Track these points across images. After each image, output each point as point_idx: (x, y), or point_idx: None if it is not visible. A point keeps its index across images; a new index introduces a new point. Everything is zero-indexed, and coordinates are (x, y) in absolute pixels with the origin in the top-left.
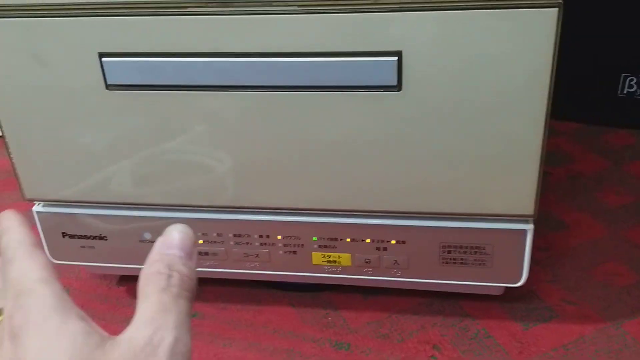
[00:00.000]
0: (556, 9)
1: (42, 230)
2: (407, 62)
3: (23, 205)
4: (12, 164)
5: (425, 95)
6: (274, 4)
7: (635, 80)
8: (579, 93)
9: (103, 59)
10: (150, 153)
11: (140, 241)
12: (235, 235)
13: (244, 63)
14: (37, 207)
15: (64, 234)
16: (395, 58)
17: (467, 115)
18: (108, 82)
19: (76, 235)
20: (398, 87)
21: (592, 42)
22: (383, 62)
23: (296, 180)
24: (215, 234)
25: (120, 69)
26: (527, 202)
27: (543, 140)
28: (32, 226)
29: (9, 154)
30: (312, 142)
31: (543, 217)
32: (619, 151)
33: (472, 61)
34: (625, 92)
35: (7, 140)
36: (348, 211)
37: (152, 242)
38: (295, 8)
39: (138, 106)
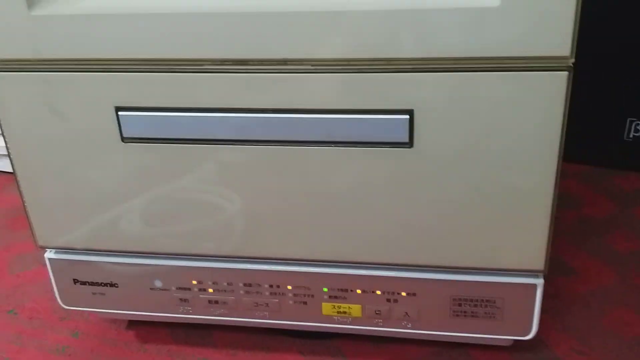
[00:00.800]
0: (566, 73)
1: (54, 276)
2: (418, 120)
3: (30, 246)
4: (26, 211)
5: (436, 152)
6: (288, 63)
7: None
8: (586, 136)
9: (120, 113)
10: (162, 202)
11: (151, 289)
12: (245, 285)
13: (259, 119)
14: (49, 254)
15: (75, 281)
16: (407, 116)
17: (478, 171)
18: (124, 135)
19: (87, 282)
20: (410, 143)
21: (598, 86)
22: (395, 120)
23: (307, 231)
24: (225, 283)
25: (136, 122)
26: (537, 257)
27: (553, 197)
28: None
29: (23, 201)
30: (324, 195)
31: (552, 262)
32: (627, 195)
33: (482, 120)
34: (631, 136)
35: (21, 188)
36: (359, 263)
37: (163, 289)
38: (309, 67)
39: (152, 158)
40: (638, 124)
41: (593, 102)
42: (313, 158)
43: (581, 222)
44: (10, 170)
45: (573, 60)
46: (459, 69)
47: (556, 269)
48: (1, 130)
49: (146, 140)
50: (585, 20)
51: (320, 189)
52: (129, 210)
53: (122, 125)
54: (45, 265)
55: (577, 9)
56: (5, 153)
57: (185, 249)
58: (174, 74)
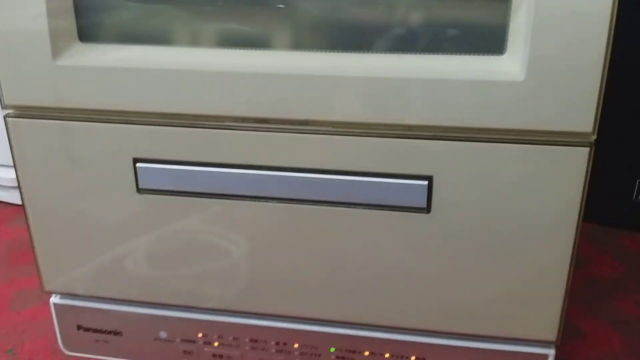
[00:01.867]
0: (587, 149)
1: (57, 321)
2: (437, 187)
3: (33, 281)
4: (35, 255)
5: (453, 219)
6: (309, 123)
7: None
8: (596, 196)
9: (137, 165)
10: (173, 253)
11: (155, 339)
12: (251, 340)
13: (277, 177)
14: (54, 299)
15: (79, 327)
16: (426, 182)
17: (494, 241)
18: (140, 186)
19: (91, 328)
20: (427, 209)
21: (608, 147)
22: (414, 186)
23: (318, 290)
24: (231, 338)
25: (153, 174)
26: (550, 329)
27: (569, 271)
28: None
29: (32, 244)
30: (338, 255)
31: None
32: (635, 256)
33: (502, 190)
34: None
35: (32, 232)
36: (369, 325)
37: (168, 340)
38: (330, 129)
39: (166, 209)
40: None
41: (603, 162)
42: (329, 218)
43: (589, 282)
44: (16, 202)
45: (595, 136)
46: (479, 139)
47: (565, 330)
48: (15, 171)
49: (162, 192)
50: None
51: (335, 249)
52: (138, 259)
53: (139, 176)
54: (47, 303)
55: (601, 87)
56: (12, 185)
57: (193, 301)
58: (194, 129)
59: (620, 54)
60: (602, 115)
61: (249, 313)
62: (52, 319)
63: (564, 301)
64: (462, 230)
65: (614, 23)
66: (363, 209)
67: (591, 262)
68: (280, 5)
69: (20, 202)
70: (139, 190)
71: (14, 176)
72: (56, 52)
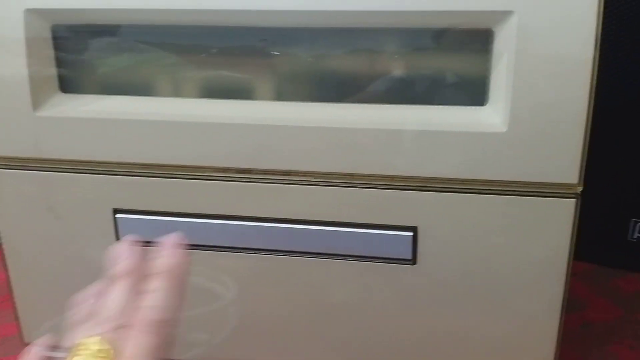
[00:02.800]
0: (573, 200)
1: None
2: (422, 238)
3: (12, 327)
4: (14, 305)
5: (440, 270)
6: (291, 174)
7: None
8: (590, 235)
9: (117, 215)
10: None
11: None
12: None
13: (259, 228)
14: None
15: None
16: (411, 233)
17: (481, 291)
18: (120, 237)
19: None
20: (412, 260)
21: (603, 187)
22: (399, 237)
23: (302, 340)
24: None
25: (134, 225)
26: None
27: (560, 319)
28: None
29: (12, 295)
30: (322, 306)
31: None
32: (631, 298)
33: (488, 241)
34: (635, 236)
35: (12, 282)
36: None
37: None
38: (312, 179)
39: None
40: None
41: (597, 202)
42: (313, 269)
43: (583, 326)
44: None
45: (581, 188)
46: (463, 190)
47: None
48: None
49: (144, 244)
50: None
51: (320, 300)
52: None
53: (119, 227)
54: None
55: (585, 138)
56: None
57: (176, 354)
58: (175, 180)
59: (611, 92)
60: (595, 153)
61: None
62: None
63: (557, 350)
64: (448, 280)
65: (596, 69)
66: (347, 260)
67: (586, 306)
68: (262, 55)
69: None
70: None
71: None
72: (37, 102)
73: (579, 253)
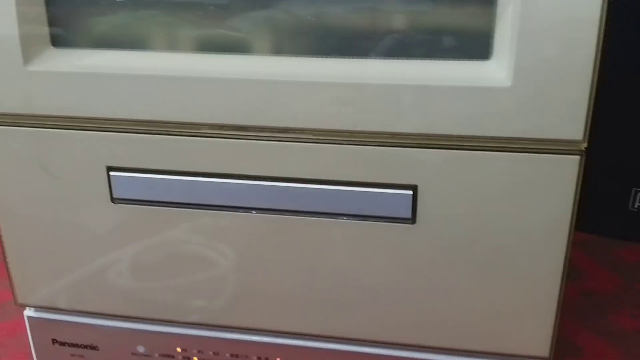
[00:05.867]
0: (578, 157)
1: (32, 335)
2: (422, 197)
3: (10, 294)
4: (7, 268)
5: (440, 230)
6: (289, 131)
7: None
8: (591, 205)
9: (111, 173)
10: (149, 265)
11: (132, 354)
12: (232, 355)
13: (256, 186)
14: (28, 312)
15: (54, 341)
16: (411, 192)
17: (483, 252)
18: (114, 196)
19: (67, 342)
20: (412, 220)
21: (604, 156)
22: (398, 195)
23: (300, 304)
24: (211, 352)
25: (128, 184)
26: (543, 343)
27: (561, 284)
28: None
29: (5, 257)
30: (319, 268)
31: (557, 339)
32: (631, 267)
33: (490, 200)
34: (636, 206)
35: (4, 243)
36: (354, 340)
37: (146, 355)
38: (311, 137)
39: (142, 220)
40: None
41: (598, 171)
42: (311, 229)
43: (584, 296)
44: None
45: (586, 144)
46: (466, 147)
47: (561, 346)
48: None
49: (137, 202)
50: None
51: (316, 262)
52: (113, 271)
53: (112, 185)
54: (25, 325)
55: (591, 93)
56: None
57: (171, 314)
58: (170, 137)
59: (614, 61)
60: (596, 124)
61: (230, 327)
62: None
63: (557, 315)
64: (449, 242)
65: (603, 28)
66: (345, 219)
67: (587, 276)
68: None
69: None
70: (113, 200)
71: None
72: (27, 57)
73: (579, 223)
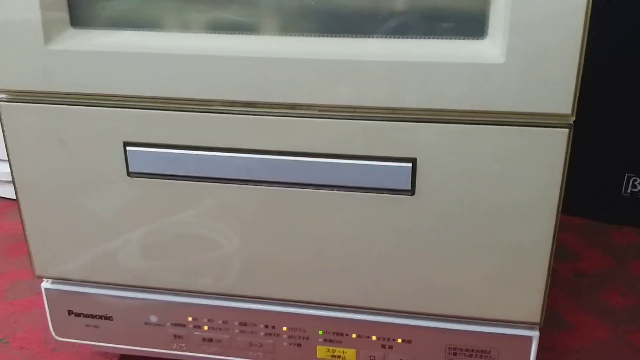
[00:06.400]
0: (567, 130)
1: (48, 306)
2: (421, 169)
3: (26, 274)
4: (26, 240)
5: (437, 201)
6: (296, 107)
7: (638, 181)
8: (585, 190)
9: (127, 148)
10: (162, 237)
11: (145, 323)
12: (240, 324)
13: (264, 160)
14: (45, 284)
15: (69, 312)
16: (410, 164)
17: (477, 223)
18: (130, 170)
19: (82, 313)
20: (412, 191)
21: (598, 141)
22: (398, 168)
23: (305, 273)
24: (220, 321)
25: (143, 158)
26: (533, 310)
27: (551, 252)
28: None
29: (24, 229)
30: (324, 238)
31: (548, 315)
32: (623, 250)
33: (484, 172)
34: (629, 191)
35: (23, 216)
36: (355, 307)
37: (158, 325)
38: (316, 112)
39: (156, 193)
40: (636, 180)
41: (592, 157)
42: (315, 201)
43: (576, 275)
44: (11, 196)
45: (574, 118)
46: (462, 121)
47: (551, 322)
48: (7, 157)
49: (152, 176)
50: (586, 77)
51: (321, 232)
52: (128, 243)
53: (129, 160)
54: (40, 294)
55: (578, 70)
56: (7, 179)
57: (183, 284)
58: (183, 113)
59: (610, 49)
60: (591, 110)
61: (238, 296)
62: (44, 309)
63: (547, 282)
64: (445, 212)
65: (590, 8)
66: (348, 191)
67: (580, 257)
68: None
69: (15, 197)
70: (130, 174)
71: (9, 170)
72: (48, 37)
73: (573, 208)
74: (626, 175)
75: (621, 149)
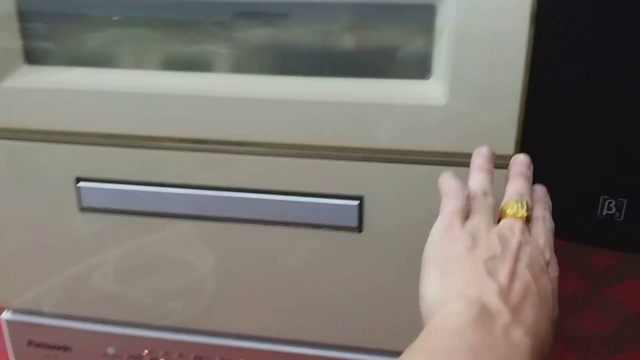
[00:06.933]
0: None
1: (10, 336)
2: (368, 207)
3: None
4: None
5: (384, 238)
6: (244, 144)
7: (614, 203)
8: (560, 212)
9: (79, 184)
10: (116, 271)
11: (103, 355)
12: (196, 357)
13: (214, 197)
14: (5, 315)
15: (30, 342)
16: (357, 202)
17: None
18: (83, 205)
19: (42, 344)
20: (359, 228)
21: (572, 164)
22: (345, 206)
23: (259, 308)
24: (176, 355)
25: (95, 193)
26: None
27: None
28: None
29: None
30: (276, 274)
31: None
32: (599, 273)
33: (429, 211)
34: (604, 213)
35: None
36: (308, 343)
37: (116, 356)
38: (265, 150)
39: (109, 228)
40: (611, 202)
41: (567, 179)
42: (265, 237)
43: None
44: None
45: None
46: (407, 160)
47: None
48: None
49: (104, 211)
50: (559, 98)
51: (272, 268)
52: (84, 276)
53: (81, 195)
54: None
55: (520, 111)
56: None
57: (138, 318)
58: (134, 149)
59: (581, 71)
60: (565, 131)
61: (192, 330)
62: (3, 339)
63: None
64: (392, 248)
65: (531, 48)
66: (297, 228)
67: None
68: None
69: None
70: (82, 209)
71: None
72: (2, 74)
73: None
74: (601, 197)
75: (596, 171)
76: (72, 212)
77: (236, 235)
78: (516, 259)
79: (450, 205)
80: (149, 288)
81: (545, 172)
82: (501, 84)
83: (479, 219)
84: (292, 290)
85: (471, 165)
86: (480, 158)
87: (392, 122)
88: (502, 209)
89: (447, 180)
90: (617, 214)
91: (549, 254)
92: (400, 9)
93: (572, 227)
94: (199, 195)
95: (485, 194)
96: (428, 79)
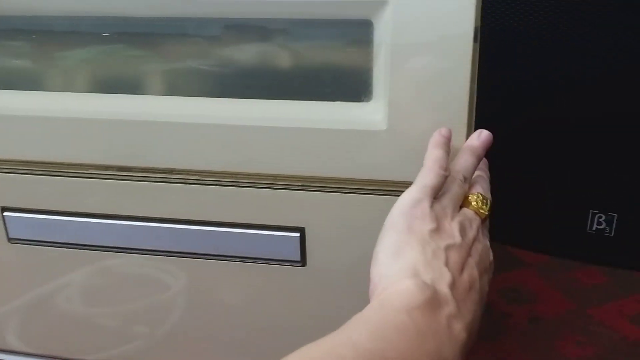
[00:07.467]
0: None
1: None
2: (310, 239)
3: None
4: None
5: (329, 271)
6: (174, 172)
7: (603, 218)
8: (548, 228)
9: (5, 214)
10: (45, 305)
11: None
12: None
13: (143, 228)
14: None
15: None
16: (298, 234)
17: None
18: (10, 236)
19: None
20: (302, 262)
21: (562, 179)
22: (286, 238)
23: (193, 344)
24: None
25: (22, 224)
26: None
27: None
28: None
29: None
30: (213, 307)
31: None
32: (586, 292)
33: (373, 239)
34: (594, 228)
35: None
36: None
37: None
38: (195, 178)
39: (38, 259)
40: (601, 217)
41: (555, 194)
42: (201, 270)
43: (533, 321)
44: None
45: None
46: (348, 190)
47: None
48: None
49: (32, 242)
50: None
51: (209, 301)
52: (12, 310)
53: (7, 226)
54: None
55: (469, 131)
56: None
57: (67, 353)
58: (58, 178)
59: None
60: (554, 145)
61: None
62: None
63: None
64: (338, 281)
65: (476, 65)
66: (235, 261)
67: (539, 300)
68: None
69: None
70: (10, 240)
71: None
72: None
73: (537, 245)
74: (590, 212)
75: (585, 185)
76: (1, 244)
77: (169, 268)
78: (469, 254)
79: (427, 179)
80: (72, 321)
81: (533, 185)
82: (445, 107)
83: (448, 203)
84: (232, 325)
85: (466, 144)
86: (477, 141)
87: (330, 148)
88: (467, 196)
89: (436, 147)
90: (608, 228)
91: (492, 256)
92: (335, 24)
93: (560, 242)
94: (126, 227)
95: (464, 179)
96: (369, 101)
